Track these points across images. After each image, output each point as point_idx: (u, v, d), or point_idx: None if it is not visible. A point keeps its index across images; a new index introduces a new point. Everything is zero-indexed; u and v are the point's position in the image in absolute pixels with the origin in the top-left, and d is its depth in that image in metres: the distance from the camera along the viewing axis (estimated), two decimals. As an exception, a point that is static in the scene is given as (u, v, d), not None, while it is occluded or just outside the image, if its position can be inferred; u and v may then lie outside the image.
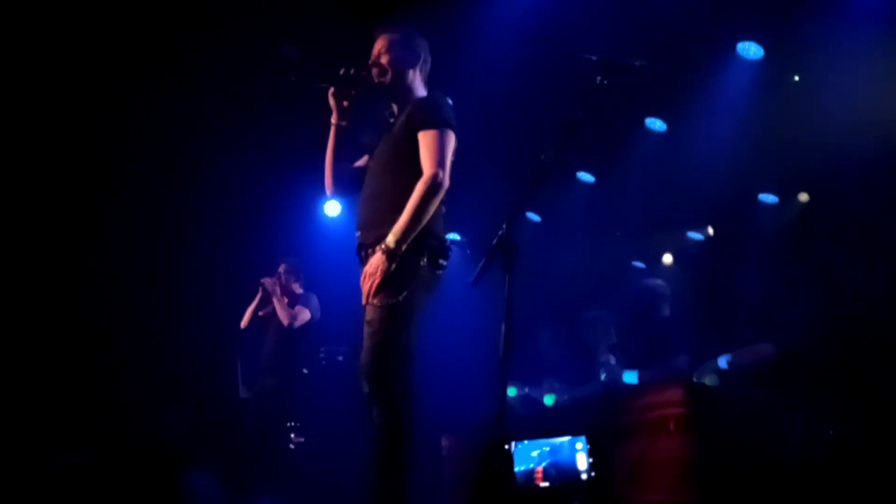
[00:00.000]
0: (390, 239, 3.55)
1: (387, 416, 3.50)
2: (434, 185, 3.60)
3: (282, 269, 6.87)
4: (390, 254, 3.54)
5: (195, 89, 6.64)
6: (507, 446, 2.95)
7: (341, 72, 3.90)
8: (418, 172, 3.67)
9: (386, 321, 3.55)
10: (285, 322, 6.63)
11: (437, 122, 3.71)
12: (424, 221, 3.59)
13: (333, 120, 3.99)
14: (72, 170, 6.72)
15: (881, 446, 4.33)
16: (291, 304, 6.79)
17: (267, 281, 6.76)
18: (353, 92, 3.94)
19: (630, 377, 5.68)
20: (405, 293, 3.56)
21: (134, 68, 6.35)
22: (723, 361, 5.34)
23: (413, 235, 3.57)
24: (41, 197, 6.60)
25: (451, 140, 3.72)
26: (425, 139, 3.69)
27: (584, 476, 3.00)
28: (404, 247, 3.56)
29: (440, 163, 3.64)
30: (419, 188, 3.60)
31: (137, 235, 7.08)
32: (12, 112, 6.20)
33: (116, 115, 6.63)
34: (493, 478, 2.90)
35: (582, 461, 3.02)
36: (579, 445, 3.07)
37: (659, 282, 6.36)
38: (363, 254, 3.73)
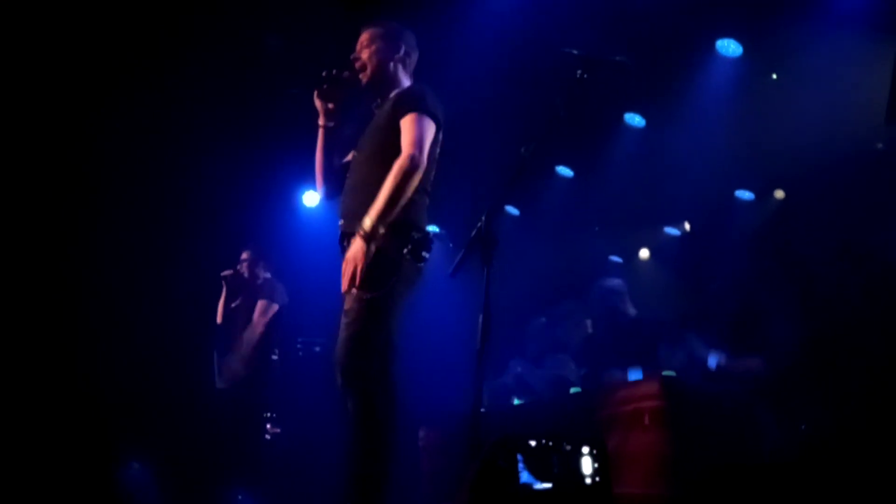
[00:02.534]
0: (366, 222, 3.52)
1: (361, 407, 3.49)
2: (410, 165, 3.59)
3: (245, 255, 6.75)
4: (367, 237, 3.51)
5: (172, 81, 6.58)
6: (511, 446, 2.94)
7: (323, 73, 3.90)
8: None
9: (365, 314, 3.53)
10: (258, 329, 6.54)
11: (418, 108, 3.71)
12: (401, 203, 3.57)
13: (320, 122, 3.98)
14: (42, 163, 6.63)
15: (854, 442, 4.37)
16: (256, 290, 6.68)
17: (227, 273, 6.66)
18: (338, 93, 3.94)
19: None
20: (386, 287, 3.55)
21: (108, 59, 6.29)
22: (713, 361, 5.32)
23: (390, 217, 3.55)
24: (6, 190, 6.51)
25: (430, 126, 3.71)
26: (405, 124, 3.69)
27: (588, 481, 2.99)
28: (382, 230, 3.53)
29: (417, 144, 3.63)
30: (394, 169, 3.59)
31: (113, 228, 7.01)
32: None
33: (90, 107, 6.56)
34: (497, 477, 2.90)
35: (587, 466, 3.01)
36: (585, 449, 3.05)
37: (617, 281, 6.38)
38: (345, 243, 3.71)
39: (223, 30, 6.33)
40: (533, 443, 2.95)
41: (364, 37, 3.96)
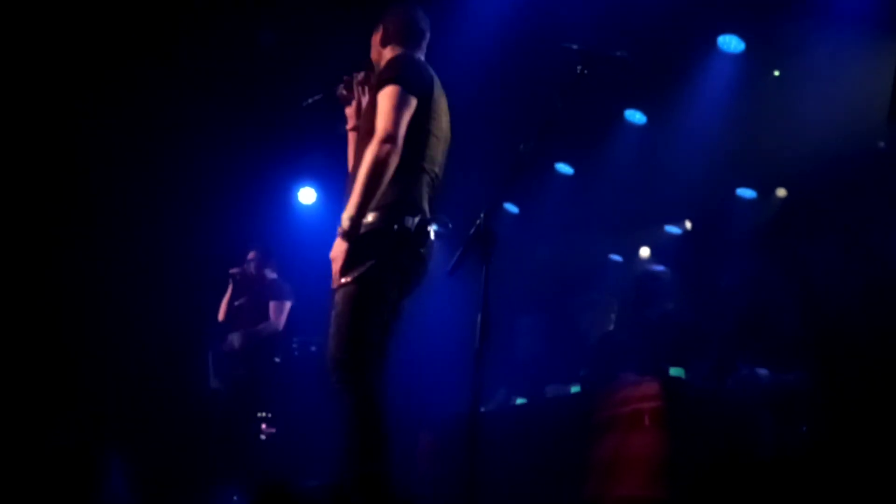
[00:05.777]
0: (344, 218, 3.36)
1: (353, 403, 3.32)
2: (381, 148, 3.36)
3: (251, 255, 6.73)
4: (345, 234, 3.35)
5: (168, 78, 6.53)
6: None
7: (344, 78, 3.87)
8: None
9: (348, 305, 3.37)
10: (279, 327, 6.56)
11: (392, 79, 3.49)
12: (378, 190, 3.36)
13: (349, 126, 3.90)
14: (40, 164, 6.59)
15: (854, 444, 4.34)
16: (263, 291, 6.65)
17: (235, 271, 6.63)
18: (359, 95, 3.84)
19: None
20: (363, 271, 3.37)
21: (106, 59, 6.26)
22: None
23: (367, 208, 3.36)
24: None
25: (405, 99, 3.46)
26: (380, 97, 3.48)
27: None
28: (361, 222, 3.35)
29: (388, 122, 3.40)
30: (367, 154, 3.38)
31: (108, 225, 6.97)
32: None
33: (87, 107, 6.52)
34: None
35: None
36: None
37: (662, 268, 5.93)
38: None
39: (214, 26, 6.29)
40: None
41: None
